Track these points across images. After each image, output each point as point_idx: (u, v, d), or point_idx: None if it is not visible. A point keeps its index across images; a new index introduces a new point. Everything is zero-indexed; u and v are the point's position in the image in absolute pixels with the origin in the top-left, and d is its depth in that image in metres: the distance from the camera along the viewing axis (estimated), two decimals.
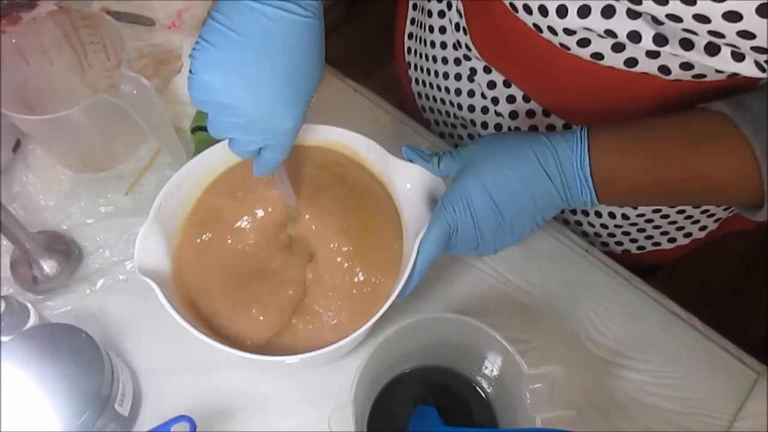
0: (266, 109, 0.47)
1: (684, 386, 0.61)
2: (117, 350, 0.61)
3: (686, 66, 0.51)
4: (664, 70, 0.52)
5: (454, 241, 0.54)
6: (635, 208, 0.69)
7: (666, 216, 0.70)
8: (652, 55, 0.51)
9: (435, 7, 0.73)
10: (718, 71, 0.50)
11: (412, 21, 0.80)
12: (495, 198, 0.52)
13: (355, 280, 0.56)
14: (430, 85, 0.78)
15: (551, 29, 0.53)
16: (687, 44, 0.47)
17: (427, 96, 0.81)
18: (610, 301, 0.65)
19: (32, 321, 0.55)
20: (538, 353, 0.61)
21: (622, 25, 0.48)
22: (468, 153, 0.54)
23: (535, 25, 0.54)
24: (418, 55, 0.79)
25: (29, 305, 0.56)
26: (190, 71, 0.46)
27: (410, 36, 0.81)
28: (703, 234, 0.74)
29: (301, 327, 0.55)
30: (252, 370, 0.60)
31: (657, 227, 0.72)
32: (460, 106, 0.74)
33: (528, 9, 0.53)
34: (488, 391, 0.56)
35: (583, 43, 0.53)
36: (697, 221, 0.71)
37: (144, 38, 0.78)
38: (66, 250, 0.65)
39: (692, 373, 0.62)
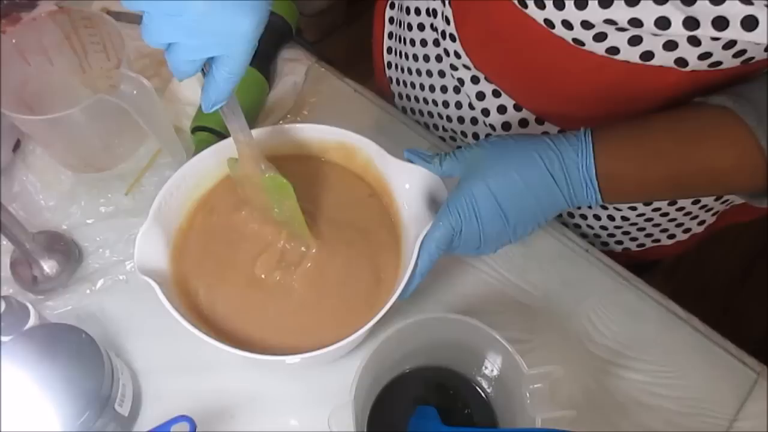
0: (219, 4, 0.39)
1: (684, 386, 0.61)
2: (117, 350, 0.61)
3: (704, 55, 0.48)
4: (681, 62, 0.50)
5: (457, 243, 0.54)
6: (634, 209, 0.69)
7: (665, 214, 0.70)
8: (670, 46, 0.49)
9: (414, 20, 0.71)
10: (735, 56, 0.48)
11: (390, 35, 0.79)
12: (501, 202, 0.52)
13: (356, 280, 0.56)
14: (415, 98, 0.77)
15: (566, 23, 0.50)
16: (721, 23, 0.44)
17: (412, 110, 0.79)
18: (610, 301, 0.65)
19: (32, 321, 0.55)
20: (538, 353, 0.61)
21: (648, 11, 0.46)
22: (472, 154, 0.54)
23: (546, 20, 0.51)
24: (399, 69, 0.78)
25: (29, 305, 0.56)
26: None
27: (389, 50, 0.80)
28: (701, 228, 0.74)
29: (301, 326, 0.55)
30: (252, 370, 0.60)
31: (656, 225, 0.72)
32: (449, 119, 0.73)
33: (540, 4, 0.51)
34: (488, 391, 0.56)
35: (600, 37, 0.50)
36: (696, 216, 0.71)
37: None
38: (66, 250, 0.65)
39: (692, 373, 0.62)
